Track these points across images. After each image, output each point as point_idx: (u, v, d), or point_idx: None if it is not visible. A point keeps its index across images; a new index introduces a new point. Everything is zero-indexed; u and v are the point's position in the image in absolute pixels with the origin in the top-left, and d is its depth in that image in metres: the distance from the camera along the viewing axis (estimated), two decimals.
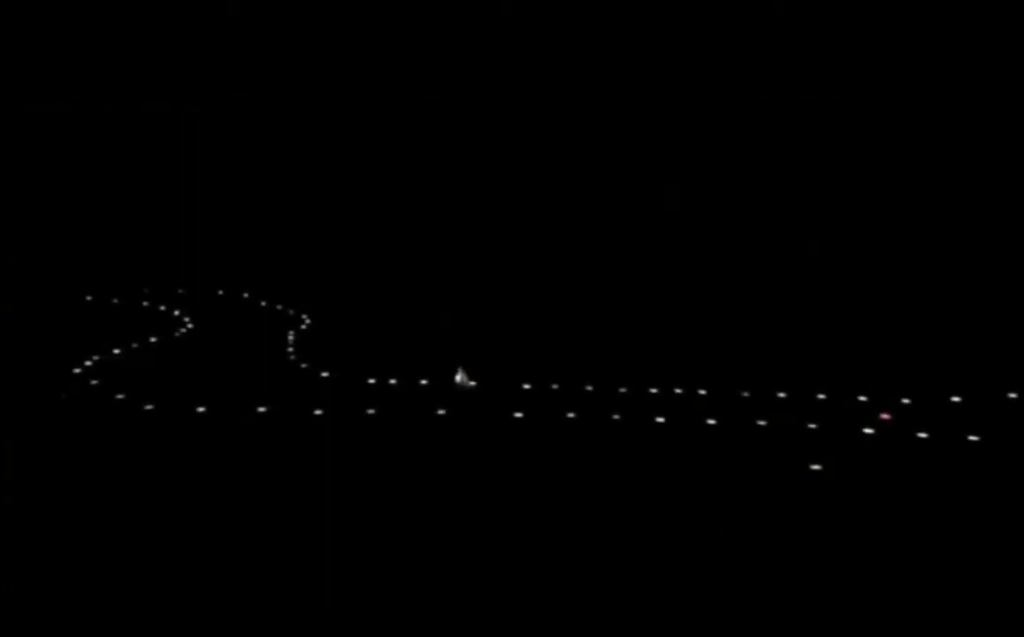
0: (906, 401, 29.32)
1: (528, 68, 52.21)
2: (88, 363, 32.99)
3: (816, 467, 24.84)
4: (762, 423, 27.65)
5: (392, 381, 31.54)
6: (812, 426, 27.47)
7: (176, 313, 39.13)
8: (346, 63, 52.59)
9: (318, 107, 52.81)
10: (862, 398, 29.53)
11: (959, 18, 49.36)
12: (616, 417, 28.26)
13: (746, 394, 29.95)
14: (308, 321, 38.43)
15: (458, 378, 30.64)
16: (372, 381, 31.57)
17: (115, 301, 40.86)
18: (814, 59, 50.33)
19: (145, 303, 40.66)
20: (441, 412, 28.75)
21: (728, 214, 47.72)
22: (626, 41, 51.55)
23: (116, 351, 34.34)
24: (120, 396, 29.94)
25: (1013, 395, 29.51)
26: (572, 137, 51.50)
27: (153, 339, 35.79)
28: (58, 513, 22.70)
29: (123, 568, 20.34)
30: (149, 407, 29.15)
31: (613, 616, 18.74)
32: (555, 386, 30.93)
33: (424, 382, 31.34)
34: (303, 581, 19.87)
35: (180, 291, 42.08)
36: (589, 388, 30.69)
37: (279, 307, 40.13)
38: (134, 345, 35.05)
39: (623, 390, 30.42)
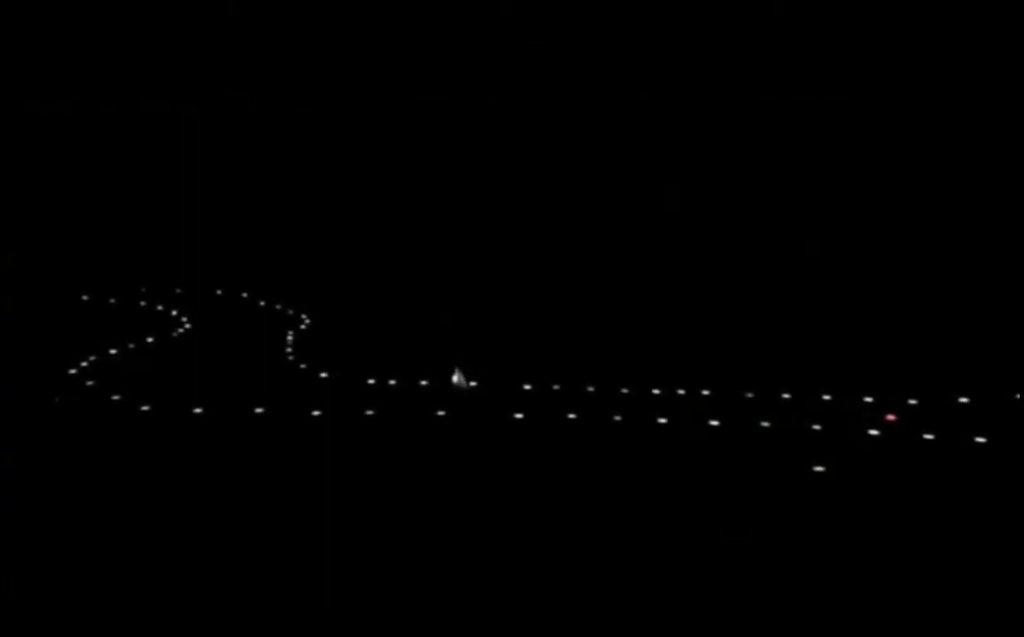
0: (912, 402, 29.14)
1: (528, 68, 52.10)
2: (84, 364, 32.77)
3: (819, 468, 24.62)
4: (766, 424, 27.44)
5: (391, 382, 31.35)
6: (816, 427, 27.26)
7: (174, 313, 38.95)
8: (346, 63, 52.47)
9: (318, 107, 52.69)
10: (867, 399, 29.34)
11: (959, 18, 49.26)
12: (618, 418, 28.06)
13: (750, 395, 29.77)
14: (307, 321, 38.25)
15: (455, 379, 30.42)
16: (371, 382, 31.38)
17: (112, 301, 40.68)
18: (814, 59, 50.23)
19: (142, 303, 40.48)
20: (441, 413, 28.55)
21: (728, 214, 47.57)
22: (626, 41, 51.44)
23: (113, 351, 34.13)
24: (116, 397, 29.72)
25: (1020, 396, 29.28)
26: (572, 137, 51.37)
27: (150, 339, 35.60)
28: (56, 514, 22.49)
29: (122, 569, 20.16)
30: (145, 408, 28.93)
31: (614, 618, 18.55)
32: (556, 387, 30.74)
33: (424, 383, 31.14)
34: (302, 584, 19.68)
35: (178, 291, 41.91)
36: (591, 389, 30.50)
37: (278, 307, 39.97)
38: (131, 345, 34.84)
39: (625, 391, 30.23)
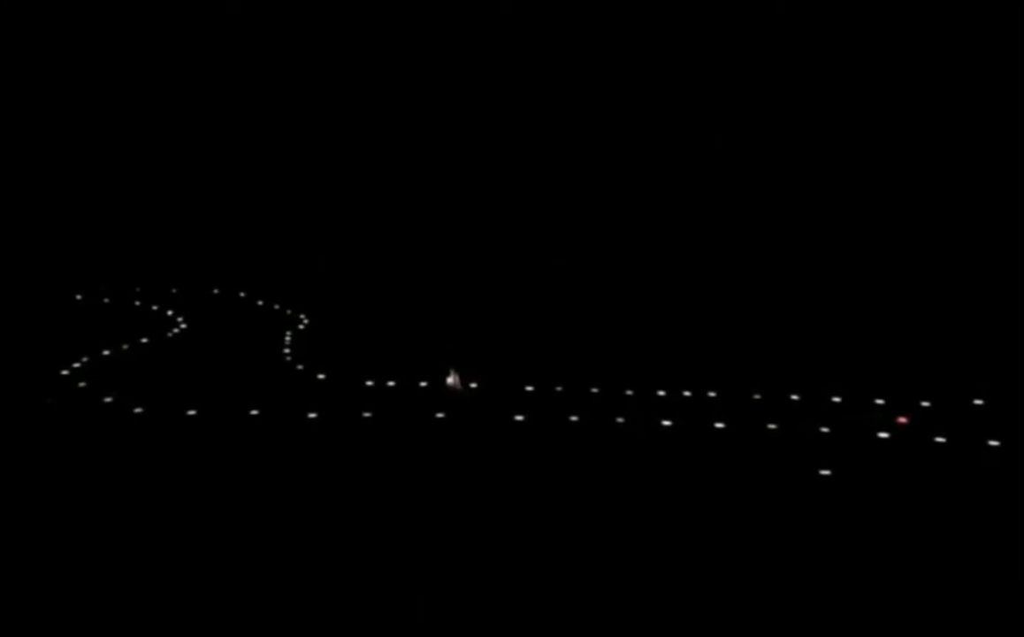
0: (925, 403, 28.67)
1: (528, 68, 51.87)
2: (76, 365, 32.30)
3: (826, 472, 24.12)
4: (772, 426, 26.98)
5: (390, 383, 30.90)
6: (824, 430, 26.78)
7: (169, 313, 38.58)
8: (346, 63, 52.26)
9: (318, 107, 52.46)
10: (879, 401, 28.88)
11: (959, 18, 49.02)
12: (620, 420, 27.56)
13: (757, 397, 29.34)
14: (305, 321, 37.87)
15: (450, 380, 29.94)
16: (370, 383, 30.91)
17: (106, 301, 40.36)
18: (814, 59, 50.01)
19: (137, 302, 40.15)
20: (440, 415, 28.06)
21: (729, 214, 47.32)
22: (626, 41, 51.22)
23: (106, 352, 33.65)
24: (109, 398, 29.20)
25: None
26: (573, 137, 51.11)
27: (144, 339, 35.15)
28: (50, 516, 22.06)
29: (116, 572, 19.83)
30: (139, 410, 28.41)
31: (617, 619, 18.13)
32: (559, 388, 30.28)
33: (423, 384, 30.68)
34: (298, 587, 19.29)
35: (173, 290, 41.60)
36: (594, 390, 30.05)
37: (276, 307, 39.66)
38: (124, 346, 34.37)
39: (629, 393, 29.79)
